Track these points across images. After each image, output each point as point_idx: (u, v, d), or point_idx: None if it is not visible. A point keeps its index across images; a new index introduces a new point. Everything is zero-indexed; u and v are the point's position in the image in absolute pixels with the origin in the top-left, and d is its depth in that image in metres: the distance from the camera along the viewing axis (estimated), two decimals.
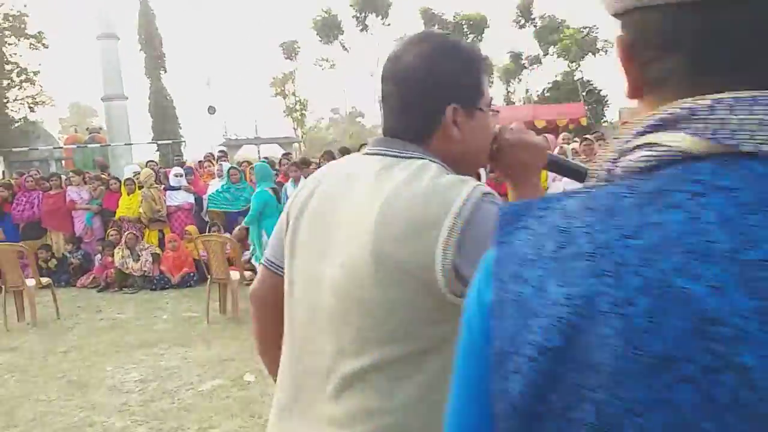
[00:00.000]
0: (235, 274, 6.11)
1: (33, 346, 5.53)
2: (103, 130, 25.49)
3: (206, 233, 7.53)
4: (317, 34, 35.73)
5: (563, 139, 8.25)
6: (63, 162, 20.14)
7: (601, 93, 31.67)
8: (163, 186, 8.42)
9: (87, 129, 25.75)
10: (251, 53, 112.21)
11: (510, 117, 15.10)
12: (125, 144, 23.55)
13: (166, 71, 28.65)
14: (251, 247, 7.29)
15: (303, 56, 38.26)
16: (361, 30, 35.83)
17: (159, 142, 23.17)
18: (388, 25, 35.27)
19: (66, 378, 4.57)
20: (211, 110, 28.93)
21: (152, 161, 9.82)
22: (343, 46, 36.43)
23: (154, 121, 28.18)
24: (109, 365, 4.83)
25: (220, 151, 10.55)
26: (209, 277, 6.20)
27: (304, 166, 7.88)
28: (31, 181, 8.68)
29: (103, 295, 7.66)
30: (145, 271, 7.68)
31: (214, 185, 8.59)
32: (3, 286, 6.28)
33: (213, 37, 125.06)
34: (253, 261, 7.21)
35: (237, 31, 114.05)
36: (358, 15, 35.26)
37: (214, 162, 9.51)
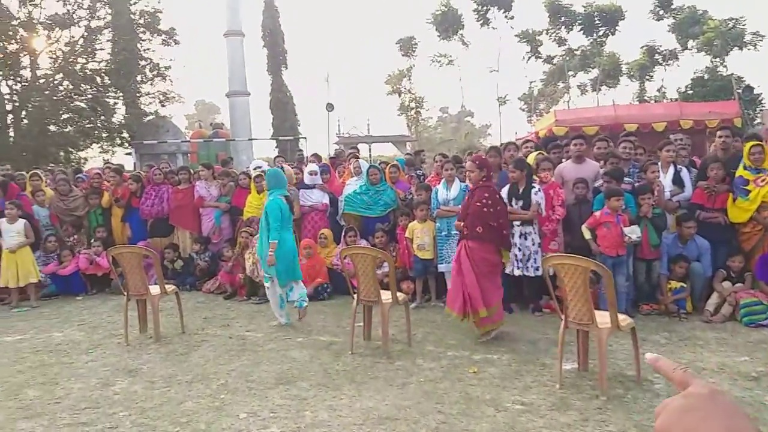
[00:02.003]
0: (386, 295, 4.97)
1: (154, 370, 4.70)
2: (225, 126, 25.98)
3: (346, 240, 6.50)
4: (436, 29, 34.48)
5: (721, 137, 6.41)
6: (189, 156, 20.45)
7: (754, 91, 27.75)
8: (295, 183, 7.52)
9: (211, 124, 26.32)
10: (369, 50, 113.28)
11: (648, 116, 13.10)
12: (247, 139, 23.71)
13: (287, 67, 28.76)
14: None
15: (420, 53, 37.26)
16: (482, 24, 34.12)
17: (281, 137, 23.03)
18: (512, 18, 33.32)
19: (191, 426, 3.62)
20: (329, 107, 28.62)
21: (280, 157, 9.00)
22: (463, 42, 34.90)
23: (274, 117, 28.35)
24: (242, 410, 3.83)
25: (352, 148, 9.57)
26: (354, 295, 5.11)
27: (459, 165, 6.65)
28: (160, 175, 8.13)
29: (230, 305, 6.86)
30: None
31: (352, 185, 7.56)
32: (126, 293, 5.57)
33: (333, 33, 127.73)
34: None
35: (356, 27, 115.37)
36: (480, 9, 33.57)
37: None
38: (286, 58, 28.63)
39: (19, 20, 17.71)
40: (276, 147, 28.52)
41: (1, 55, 17.52)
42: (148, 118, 20.50)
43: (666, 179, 6.21)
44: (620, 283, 5.45)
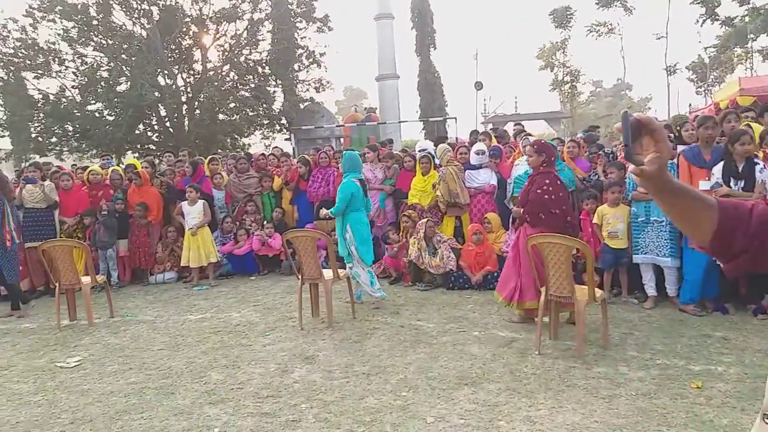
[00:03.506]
0: (582, 291, 4.34)
1: (330, 357, 4.54)
2: (376, 109, 26.28)
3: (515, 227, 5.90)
4: None
5: None
6: (341, 140, 20.91)
7: None
8: (461, 164, 7.05)
9: (365, 108, 26.77)
10: (519, 24, 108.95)
11: None
12: (397, 122, 23.74)
13: (435, 48, 28.31)
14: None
15: (576, 23, 34.76)
16: None
17: (431, 119, 22.71)
18: None
19: (376, 426, 3.33)
20: (478, 86, 27.79)
21: (442, 137, 8.57)
22: (626, 7, 31.91)
23: (422, 99, 28.13)
24: (428, 413, 3.48)
25: (517, 124, 8.87)
26: (542, 290, 4.54)
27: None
28: (326, 158, 8.14)
29: (396, 291, 6.62)
30: (444, 268, 6.42)
31: (522, 165, 6.92)
32: (301, 276, 5.52)
33: (481, 9, 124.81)
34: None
35: (506, 0, 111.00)
36: None
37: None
38: (434, 38, 28.18)
39: (191, 17, 19.12)
40: (423, 129, 28.35)
41: (177, 51, 19.11)
42: (304, 105, 21.24)
43: None
44: None
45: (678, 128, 6.13)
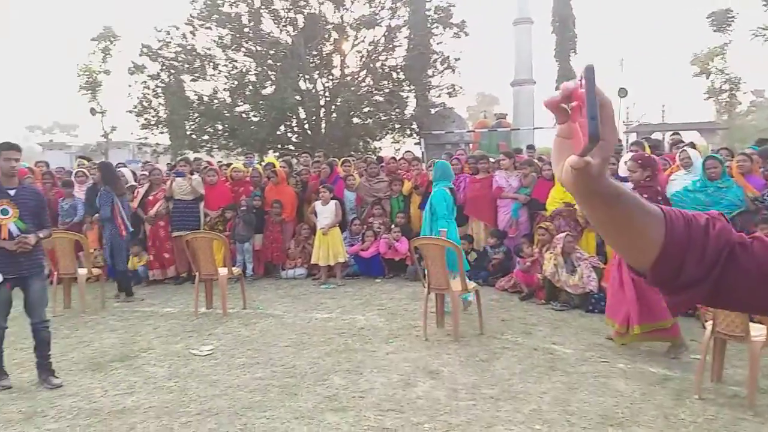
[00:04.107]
0: (757, 330, 3.68)
1: (456, 375, 4.27)
2: (507, 116, 25.55)
3: None
4: None
5: None
6: (470, 145, 20.54)
7: None
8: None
9: (495, 114, 26.19)
10: (670, 28, 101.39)
11: None
12: (531, 129, 22.88)
13: (576, 53, 26.95)
14: None
15: (738, 27, 31.32)
16: None
17: None
18: None
19: None
20: (622, 93, 26.07)
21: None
22: None
23: None
24: None
25: (674, 134, 7.97)
26: (707, 324, 3.93)
27: None
28: (457, 164, 7.87)
29: (528, 308, 6.19)
30: (583, 288, 5.89)
31: (680, 180, 6.18)
32: (428, 285, 5.30)
33: (628, 13, 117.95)
34: None
35: (656, 3, 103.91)
36: None
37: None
38: (575, 42, 26.83)
39: (332, 24, 19.80)
40: None
41: (318, 57, 19.87)
42: (435, 110, 21.14)
43: None
44: None
45: None
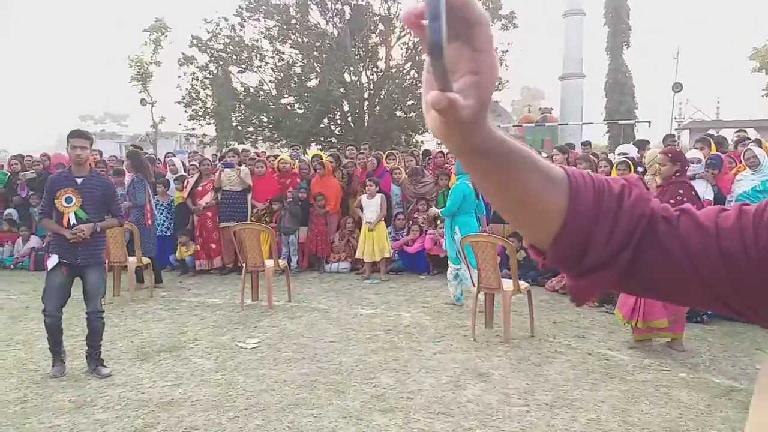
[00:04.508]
0: None
1: (507, 379, 4.11)
2: (553, 110, 24.98)
3: None
4: None
5: None
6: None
7: None
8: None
9: (539, 109, 25.65)
10: (730, 20, 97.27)
11: None
12: (579, 123, 22.30)
13: (629, 46, 26.10)
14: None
15: None
16: None
17: (620, 121, 20.92)
18: None
19: None
20: (677, 87, 25.07)
21: (643, 140, 7.60)
22: None
23: (608, 100, 26.12)
24: None
25: (740, 131, 7.55)
26: None
27: None
28: None
29: (579, 311, 5.95)
30: None
31: (746, 180, 5.85)
32: (477, 285, 5.15)
33: (686, 5, 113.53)
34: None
35: None
36: None
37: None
38: (629, 35, 25.97)
39: (379, 16, 19.67)
40: (607, 132, 26.30)
41: (363, 49, 19.80)
42: None
43: None
44: None
45: None
